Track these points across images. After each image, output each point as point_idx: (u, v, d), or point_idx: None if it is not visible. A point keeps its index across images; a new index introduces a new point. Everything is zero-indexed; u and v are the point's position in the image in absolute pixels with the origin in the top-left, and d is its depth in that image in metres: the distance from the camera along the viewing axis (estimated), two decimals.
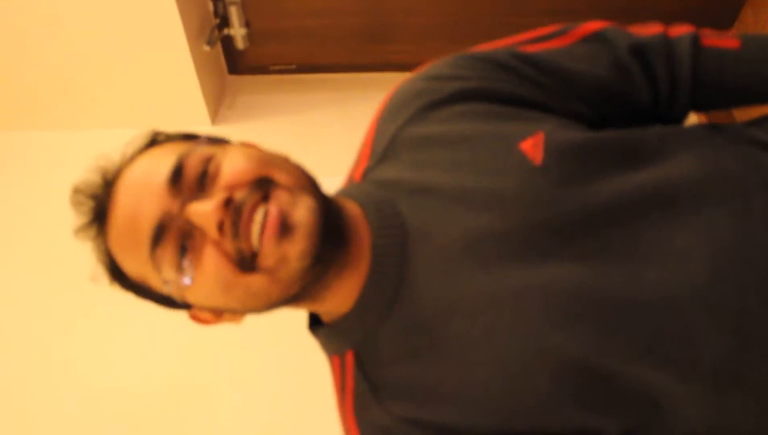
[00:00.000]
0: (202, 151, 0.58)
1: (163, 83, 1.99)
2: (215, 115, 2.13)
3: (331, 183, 0.70)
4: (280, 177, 0.58)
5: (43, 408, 1.61)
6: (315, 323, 0.69)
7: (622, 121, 0.69)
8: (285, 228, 0.54)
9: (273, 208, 0.55)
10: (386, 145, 0.66)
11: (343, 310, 0.63)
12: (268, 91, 2.21)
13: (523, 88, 0.66)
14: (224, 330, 1.66)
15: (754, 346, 0.55)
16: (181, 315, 0.65)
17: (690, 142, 0.63)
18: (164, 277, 0.57)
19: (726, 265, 0.56)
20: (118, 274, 0.62)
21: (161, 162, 0.58)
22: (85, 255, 0.62)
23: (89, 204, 0.61)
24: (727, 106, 0.72)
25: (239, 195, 0.56)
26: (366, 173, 0.68)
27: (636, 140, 0.63)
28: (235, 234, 0.55)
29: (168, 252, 0.56)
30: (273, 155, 0.61)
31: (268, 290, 0.57)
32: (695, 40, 0.67)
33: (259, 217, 0.55)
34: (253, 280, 0.56)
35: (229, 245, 0.55)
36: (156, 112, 2.06)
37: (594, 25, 0.70)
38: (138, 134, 0.63)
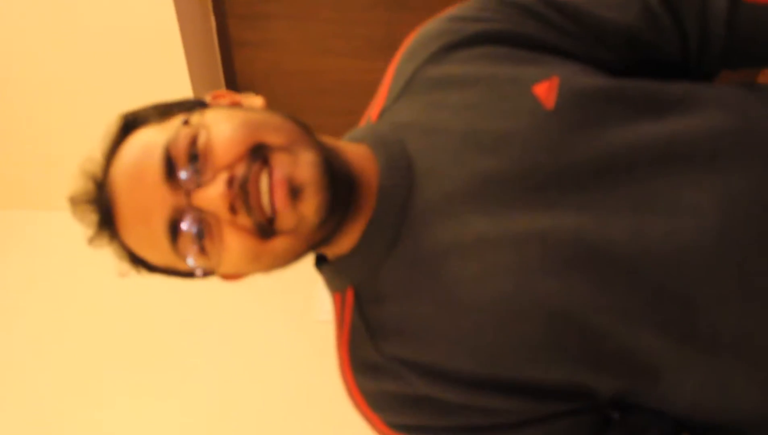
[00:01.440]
0: (185, 132, 0.56)
1: None
2: None
3: None
4: (273, 138, 0.56)
5: None
6: (321, 261, 0.69)
7: (647, 72, 0.65)
8: (294, 191, 0.54)
9: (276, 174, 0.54)
10: (403, 85, 0.66)
11: (348, 248, 0.63)
12: None
13: (547, 33, 0.64)
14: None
15: (756, 312, 0.52)
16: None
17: (717, 96, 0.60)
18: (192, 265, 0.58)
19: (736, 226, 0.53)
20: (143, 265, 0.62)
21: (148, 154, 0.56)
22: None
23: (92, 212, 0.60)
24: (762, 64, 0.68)
25: (240, 171, 0.55)
26: (382, 113, 0.67)
27: (658, 90, 0.60)
28: (248, 209, 0.54)
29: (188, 242, 0.56)
30: (256, 114, 0.59)
31: (294, 247, 0.58)
32: None
33: (264, 186, 0.54)
34: (278, 244, 0.57)
35: (245, 220, 0.55)
36: None
37: None
38: (108, 125, 0.62)
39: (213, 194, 0.54)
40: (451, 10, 0.69)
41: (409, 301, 0.60)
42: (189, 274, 0.61)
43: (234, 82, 2.06)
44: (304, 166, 0.55)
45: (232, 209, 0.54)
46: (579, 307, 0.54)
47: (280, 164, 0.54)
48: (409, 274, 0.60)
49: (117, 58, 1.86)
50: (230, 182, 0.54)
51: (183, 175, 0.55)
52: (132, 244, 0.59)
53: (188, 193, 0.55)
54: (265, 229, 0.55)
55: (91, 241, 0.60)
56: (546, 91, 0.58)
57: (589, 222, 0.54)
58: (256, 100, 0.64)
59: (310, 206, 0.55)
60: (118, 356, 1.93)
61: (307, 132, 0.59)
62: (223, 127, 0.56)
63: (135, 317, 2.01)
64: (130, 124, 0.61)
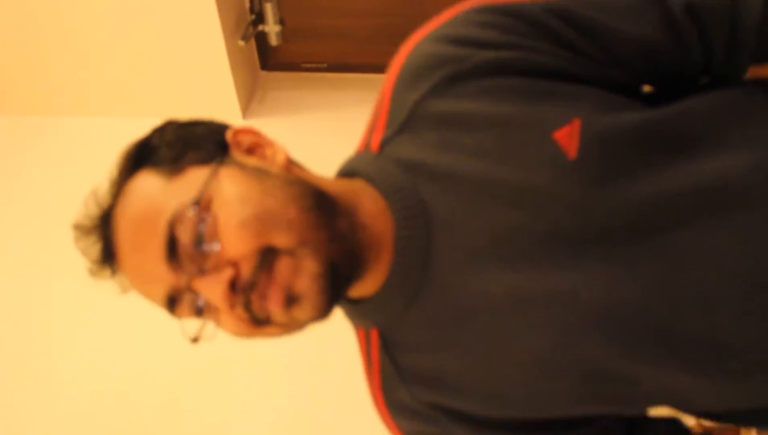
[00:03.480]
0: (190, 214, 0.54)
1: (198, 75, 2.04)
2: (246, 109, 2.16)
3: None
4: (283, 239, 0.54)
5: (46, 411, 1.60)
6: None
7: (664, 79, 0.63)
8: (289, 298, 0.55)
9: (276, 280, 0.54)
10: (406, 116, 0.61)
11: (367, 292, 0.62)
12: (299, 88, 2.24)
13: (559, 59, 0.58)
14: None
15: None
16: None
17: (742, 121, 0.58)
18: (189, 328, 0.58)
19: (763, 268, 0.53)
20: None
21: (151, 221, 0.55)
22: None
23: (95, 242, 0.60)
24: None
25: (245, 272, 0.54)
26: (384, 144, 0.63)
27: (681, 124, 0.57)
28: (247, 309, 0.55)
29: (185, 310, 0.57)
30: (273, 195, 0.56)
31: (288, 332, 0.59)
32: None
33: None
34: (272, 330, 0.58)
35: (242, 314, 0.56)
36: (189, 103, 2.10)
37: None
38: (119, 154, 0.60)
39: (214, 293, 0.54)
40: (448, 26, 0.61)
41: (439, 353, 0.61)
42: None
43: None
44: (306, 276, 0.54)
45: (231, 306, 0.55)
46: (614, 362, 0.56)
47: (282, 272, 0.54)
48: (435, 326, 0.60)
49: None
50: (233, 285, 0.54)
51: (185, 260, 0.55)
52: (133, 286, 0.60)
53: (190, 278, 0.55)
54: (260, 321, 0.56)
55: (92, 272, 0.60)
56: (567, 137, 0.55)
57: (618, 278, 0.55)
58: (279, 155, 0.61)
59: (303, 314, 0.56)
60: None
61: (322, 218, 0.57)
62: (234, 211, 0.54)
63: None
64: (142, 157, 0.59)
